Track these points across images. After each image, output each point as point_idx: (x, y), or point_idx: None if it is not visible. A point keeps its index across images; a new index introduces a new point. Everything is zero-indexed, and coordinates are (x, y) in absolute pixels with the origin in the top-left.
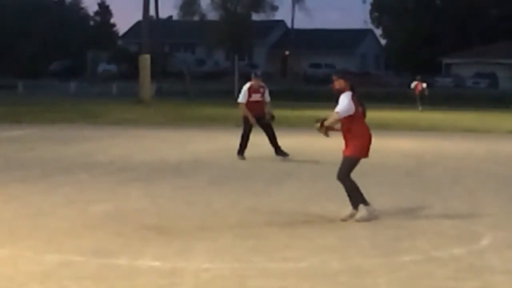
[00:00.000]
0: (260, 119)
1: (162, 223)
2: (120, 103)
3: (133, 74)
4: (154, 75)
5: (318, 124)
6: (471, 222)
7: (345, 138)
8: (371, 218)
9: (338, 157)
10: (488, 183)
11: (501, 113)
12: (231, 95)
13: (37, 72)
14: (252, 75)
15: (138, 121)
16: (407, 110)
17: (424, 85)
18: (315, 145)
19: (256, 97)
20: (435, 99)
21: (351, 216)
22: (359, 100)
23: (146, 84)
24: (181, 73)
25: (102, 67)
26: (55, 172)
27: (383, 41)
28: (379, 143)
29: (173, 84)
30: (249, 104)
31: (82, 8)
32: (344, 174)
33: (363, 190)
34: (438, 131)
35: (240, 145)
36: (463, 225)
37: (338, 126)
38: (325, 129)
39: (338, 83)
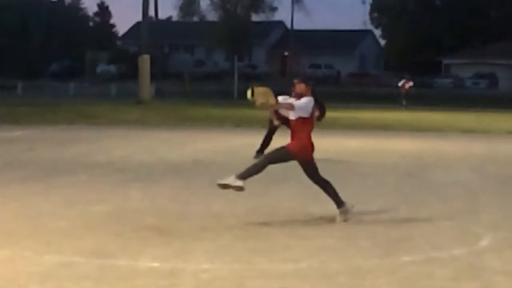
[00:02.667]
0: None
1: (162, 223)
2: (120, 103)
3: (132, 74)
4: (153, 76)
5: (250, 92)
6: (471, 222)
7: (291, 133)
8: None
9: (338, 158)
10: (488, 184)
11: (501, 113)
12: (230, 96)
13: (36, 73)
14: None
15: (137, 122)
16: (406, 110)
17: (411, 83)
18: (315, 146)
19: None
20: (434, 100)
21: (341, 214)
22: (321, 103)
23: (146, 84)
24: (181, 74)
25: (101, 67)
26: (54, 172)
27: (382, 42)
28: (379, 144)
29: (173, 85)
30: None
31: (82, 9)
32: (269, 158)
33: (363, 191)
34: (438, 131)
35: (261, 144)
36: (463, 226)
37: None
38: (273, 112)
39: (299, 87)
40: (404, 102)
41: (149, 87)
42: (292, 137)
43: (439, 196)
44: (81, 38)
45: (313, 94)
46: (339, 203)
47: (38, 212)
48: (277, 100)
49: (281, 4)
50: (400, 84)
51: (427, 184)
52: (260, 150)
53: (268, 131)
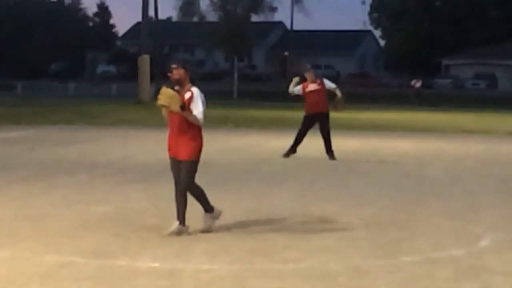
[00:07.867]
0: (322, 116)
1: (162, 224)
2: (120, 104)
3: (132, 75)
4: (153, 76)
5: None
6: (471, 223)
7: (177, 137)
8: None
9: (338, 158)
10: (488, 184)
11: (501, 114)
12: (230, 96)
13: (36, 73)
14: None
15: (137, 122)
16: (406, 111)
17: (420, 82)
18: (314, 146)
19: (312, 86)
20: (434, 100)
21: (178, 232)
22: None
23: (146, 85)
24: None
25: (101, 68)
26: (54, 173)
27: (382, 42)
28: (379, 144)
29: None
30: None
31: (82, 9)
32: (191, 182)
33: (363, 191)
34: (438, 132)
35: (294, 142)
36: (463, 226)
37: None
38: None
39: (178, 73)
40: (416, 100)
41: (149, 87)
42: (178, 141)
43: (439, 197)
44: (81, 38)
45: (192, 80)
46: (208, 208)
47: (38, 212)
48: (183, 108)
49: (281, 4)
50: (412, 83)
51: (426, 185)
52: (291, 149)
53: (300, 129)
